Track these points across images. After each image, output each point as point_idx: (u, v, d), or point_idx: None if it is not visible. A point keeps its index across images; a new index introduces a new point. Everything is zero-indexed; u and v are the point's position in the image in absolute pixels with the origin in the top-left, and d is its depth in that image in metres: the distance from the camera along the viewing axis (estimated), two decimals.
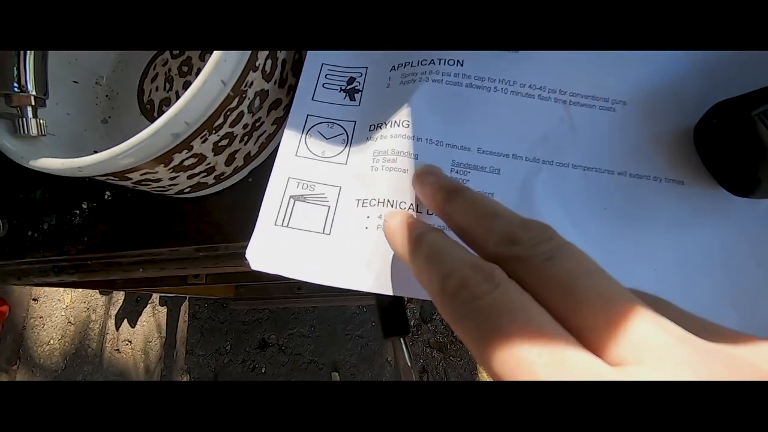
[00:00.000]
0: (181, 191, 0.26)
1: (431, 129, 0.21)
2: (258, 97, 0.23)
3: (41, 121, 0.23)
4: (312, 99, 0.23)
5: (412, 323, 1.17)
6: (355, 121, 0.23)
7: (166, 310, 1.37)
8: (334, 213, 0.21)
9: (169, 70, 0.30)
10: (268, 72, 0.23)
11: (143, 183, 0.24)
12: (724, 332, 0.12)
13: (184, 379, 1.29)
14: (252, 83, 0.22)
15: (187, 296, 1.32)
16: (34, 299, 1.56)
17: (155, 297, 1.39)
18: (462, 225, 0.16)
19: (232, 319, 1.28)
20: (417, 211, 0.20)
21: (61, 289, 1.48)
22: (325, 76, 0.24)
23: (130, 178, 0.23)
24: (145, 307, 1.39)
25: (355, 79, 0.23)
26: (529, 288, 0.12)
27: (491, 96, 0.21)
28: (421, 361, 1.13)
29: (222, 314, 1.30)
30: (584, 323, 0.11)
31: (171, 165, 0.22)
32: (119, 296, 1.43)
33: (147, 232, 0.29)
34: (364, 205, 0.21)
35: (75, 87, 0.29)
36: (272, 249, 0.20)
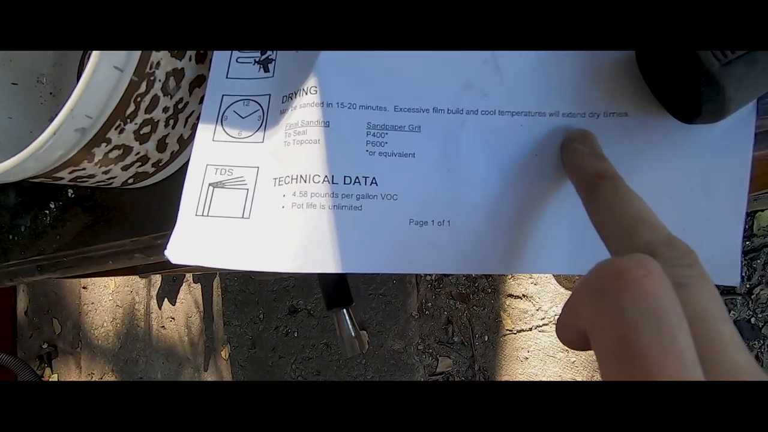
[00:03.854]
0: (125, 182, 0.26)
1: (341, 92, 0.19)
2: (172, 78, 0.22)
3: None
4: (226, 77, 0.22)
5: (433, 276, 1.18)
6: (270, 95, 0.21)
7: (200, 286, 1.44)
8: (253, 195, 0.20)
9: None
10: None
11: (79, 180, 0.24)
12: None
13: (226, 348, 1.37)
14: (159, 64, 0.21)
15: (217, 272, 1.38)
16: (84, 287, 1.68)
17: (189, 275, 1.46)
18: (601, 219, 0.15)
19: (261, 289, 1.34)
20: (333, 183, 0.19)
21: (105, 276, 1.58)
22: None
23: (62, 178, 0.23)
24: (182, 285, 1.47)
25: None
26: None
27: None
28: (446, 313, 1.15)
29: (251, 286, 1.36)
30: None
31: (96, 160, 0.22)
32: (157, 278, 1.52)
33: (109, 225, 0.30)
34: (280, 183, 0.20)
35: (15, 89, 0.29)
36: (193, 241, 0.20)
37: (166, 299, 1.49)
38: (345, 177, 0.19)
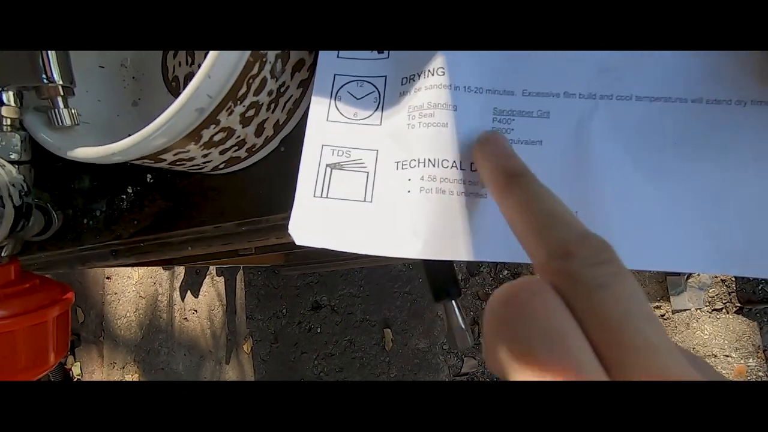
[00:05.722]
0: (216, 167, 0.26)
1: (468, 75, 0.19)
2: (279, 60, 0.22)
3: (73, 111, 0.23)
4: (337, 56, 0.22)
5: (459, 276, 1.17)
6: (386, 76, 0.21)
7: (223, 279, 1.45)
8: (373, 179, 0.20)
9: None
10: None
11: (178, 163, 0.24)
12: None
13: (249, 342, 1.38)
14: None
15: (241, 266, 1.39)
16: (107, 278, 1.70)
17: (212, 268, 1.47)
18: (515, 222, 0.15)
19: (285, 284, 1.34)
20: (461, 168, 0.18)
21: (129, 266, 1.60)
22: None
23: (165, 159, 0.23)
24: (205, 278, 1.48)
25: None
26: (572, 311, 0.11)
27: None
28: (471, 313, 1.14)
29: (275, 280, 1.36)
30: (621, 368, 0.10)
31: (201, 142, 0.22)
32: (180, 270, 1.53)
33: (190, 211, 0.29)
34: (404, 167, 0.19)
35: (102, 72, 0.29)
36: (314, 222, 0.20)
37: (189, 291, 1.50)
38: (471, 164, 0.18)
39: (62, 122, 0.22)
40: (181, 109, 0.19)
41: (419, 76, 0.20)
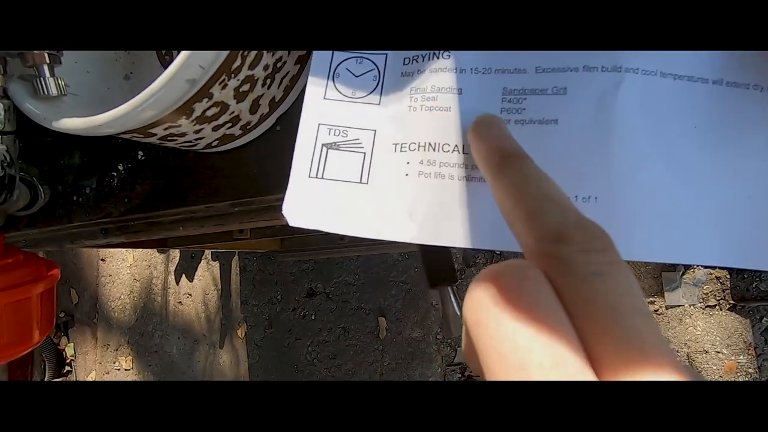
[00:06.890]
0: (209, 145, 0.25)
1: (477, 56, 0.18)
2: None
3: (60, 81, 0.22)
4: None
5: (455, 268, 1.16)
6: (387, 54, 0.20)
7: (218, 264, 1.44)
8: (370, 160, 0.19)
9: None
10: None
11: (169, 138, 0.23)
12: None
13: (243, 327, 1.38)
14: None
15: (237, 251, 1.38)
16: (102, 259, 1.69)
17: (208, 253, 1.46)
18: (507, 204, 0.13)
19: (280, 271, 1.34)
20: (464, 152, 0.18)
21: (124, 249, 1.59)
22: None
23: (155, 134, 0.22)
24: (200, 262, 1.47)
25: None
26: (561, 298, 0.11)
27: None
28: None
29: (270, 266, 1.36)
30: (610, 364, 0.10)
31: (193, 116, 0.21)
32: (175, 253, 1.52)
33: (182, 190, 0.29)
34: (403, 149, 0.19)
35: None
36: (308, 203, 0.19)
37: (183, 275, 1.50)
38: None
39: (48, 92, 0.21)
40: (171, 79, 0.18)
41: (423, 57, 0.19)
